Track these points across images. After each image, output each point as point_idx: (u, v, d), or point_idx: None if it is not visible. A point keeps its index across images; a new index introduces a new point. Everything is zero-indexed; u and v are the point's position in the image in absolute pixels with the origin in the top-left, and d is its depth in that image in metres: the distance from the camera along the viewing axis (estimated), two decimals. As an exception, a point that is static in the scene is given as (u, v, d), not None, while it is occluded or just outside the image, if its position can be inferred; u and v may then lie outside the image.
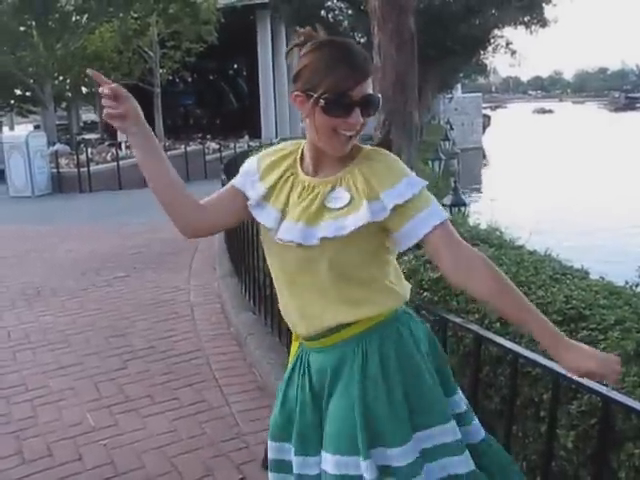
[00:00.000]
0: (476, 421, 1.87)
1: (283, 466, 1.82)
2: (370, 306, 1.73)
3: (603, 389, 1.92)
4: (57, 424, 3.64)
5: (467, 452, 1.73)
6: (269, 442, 1.86)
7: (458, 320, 2.43)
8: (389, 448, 1.66)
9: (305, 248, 1.68)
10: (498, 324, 2.58)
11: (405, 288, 1.82)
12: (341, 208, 1.67)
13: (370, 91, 1.63)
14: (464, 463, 1.71)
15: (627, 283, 3.10)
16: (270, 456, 1.86)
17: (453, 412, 1.78)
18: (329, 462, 1.68)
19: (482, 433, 1.85)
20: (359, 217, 1.64)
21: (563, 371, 2.02)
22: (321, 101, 1.60)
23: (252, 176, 1.82)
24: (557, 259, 3.65)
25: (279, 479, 1.85)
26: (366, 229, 1.65)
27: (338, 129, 1.63)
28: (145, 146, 1.79)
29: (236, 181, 1.86)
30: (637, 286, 3.07)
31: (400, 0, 4.87)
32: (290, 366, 1.87)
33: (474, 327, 2.35)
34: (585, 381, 1.97)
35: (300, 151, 1.81)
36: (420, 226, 1.66)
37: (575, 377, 1.98)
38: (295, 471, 1.77)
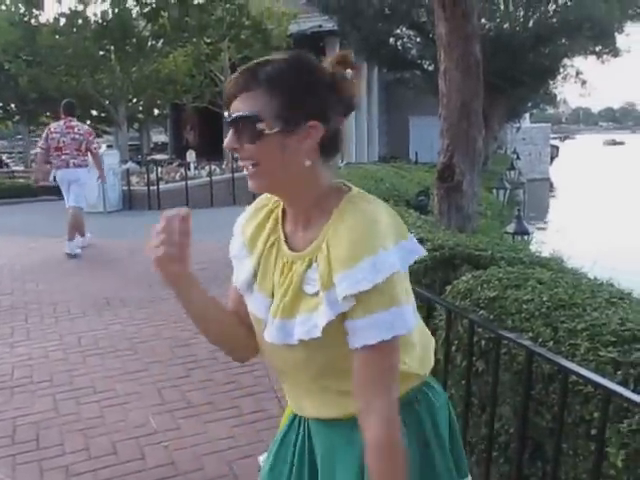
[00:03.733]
0: None
1: None
2: None
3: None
4: (122, 425, 3.82)
5: None
6: None
7: (512, 335, 2.49)
8: None
9: (288, 346, 1.41)
10: (551, 342, 2.62)
11: (424, 363, 1.52)
12: (314, 294, 1.37)
13: (239, 112, 1.34)
14: None
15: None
16: None
17: None
18: None
19: None
20: (323, 313, 1.33)
21: (615, 388, 2.08)
22: None
23: (241, 251, 1.56)
24: (617, 287, 3.65)
25: None
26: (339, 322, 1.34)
27: None
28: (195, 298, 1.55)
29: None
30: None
31: (466, 27, 4.97)
32: (285, 426, 1.64)
33: (527, 342, 2.41)
34: (638, 398, 2.01)
35: (282, 206, 1.51)
36: (359, 335, 1.32)
37: (626, 393, 2.03)
38: None
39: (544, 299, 2.90)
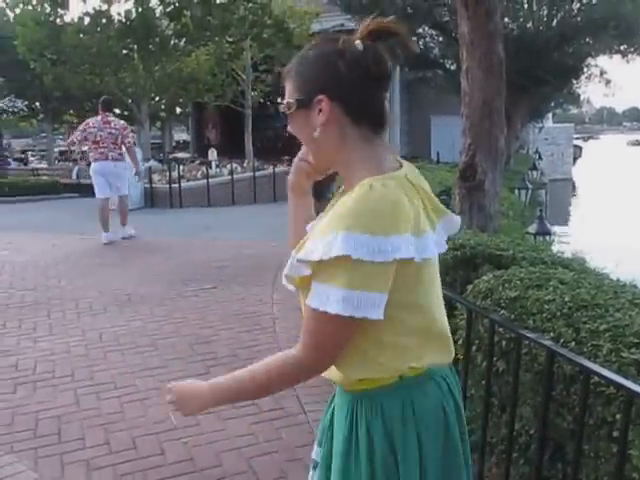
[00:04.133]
0: None
1: None
2: (340, 371, 1.55)
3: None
4: (142, 420, 3.84)
5: None
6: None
7: (533, 335, 2.48)
8: None
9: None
10: (573, 343, 2.60)
11: (400, 361, 1.52)
12: None
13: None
14: None
15: None
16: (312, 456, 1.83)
17: None
18: None
19: None
20: (286, 266, 1.51)
21: (638, 389, 2.06)
22: None
23: None
24: (641, 288, 3.60)
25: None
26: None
27: None
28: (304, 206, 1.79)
29: None
30: None
31: (489, 26, 4.94)
32: None
33: (548, 342, 2.39)
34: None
35: None
36: (310, 294, 1.44)
37: None
38: None
39: (566, 299, 2.88)
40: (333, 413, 1.70)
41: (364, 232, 1.35)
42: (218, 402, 1.63)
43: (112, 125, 9.33)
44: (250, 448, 3.50)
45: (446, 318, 1.64)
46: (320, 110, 1.47)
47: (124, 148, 9.45)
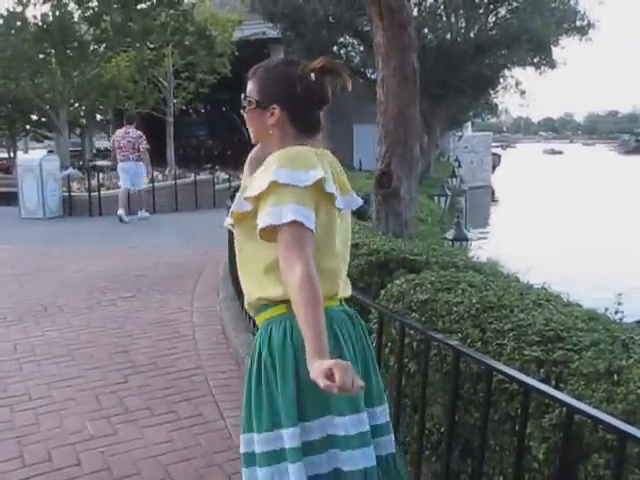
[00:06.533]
0: (390, 436, 2.05)
1: None
2: (260, 292, 1.94)
3: (572, 401, 2.05)
4: (58, 431, 3.78)
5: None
6: None
7: (440, 336, 2.57)
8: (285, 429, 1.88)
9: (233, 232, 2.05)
10: (480, 343, 2.71)
11: (331, 285, 1.95)
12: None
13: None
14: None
15: (606, 310, 3.22)
16: None
17: (372, 424, 1.94)
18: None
19: (392, 448, 2.03)
20: (233, 204, 1.95)
21: (535, 384, 2.17)
22: None
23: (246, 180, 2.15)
24: (547, 290, 3.75)
25: None
26: (248, 219, 1.89)
27: None
28: None
29: None
30: (616, 313, 3.19)
31: (404, 37, 5.08)
32: None
33: (454, 343, 2.49)
34: (553, 392, 2.11)
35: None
36: (259, 221, 1.83)
37: (547, 390, 2.12)
38: None
39: (474, 301, 3.00)
40: None
41: (287, 169, 1.81)
42: (315, 350, 1.68)
43: (130, 135, 12.40)
44: (168, 455, 3.49)
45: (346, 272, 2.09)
46: (272, 114, 1.97)
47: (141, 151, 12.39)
